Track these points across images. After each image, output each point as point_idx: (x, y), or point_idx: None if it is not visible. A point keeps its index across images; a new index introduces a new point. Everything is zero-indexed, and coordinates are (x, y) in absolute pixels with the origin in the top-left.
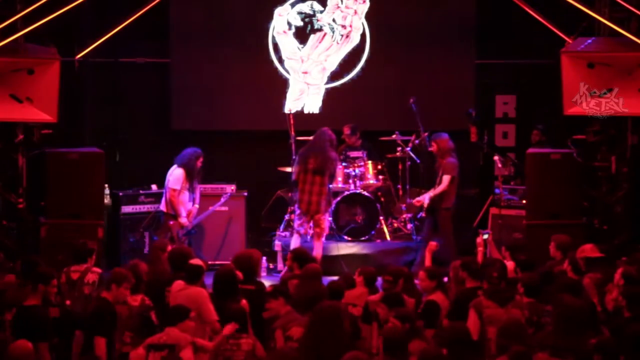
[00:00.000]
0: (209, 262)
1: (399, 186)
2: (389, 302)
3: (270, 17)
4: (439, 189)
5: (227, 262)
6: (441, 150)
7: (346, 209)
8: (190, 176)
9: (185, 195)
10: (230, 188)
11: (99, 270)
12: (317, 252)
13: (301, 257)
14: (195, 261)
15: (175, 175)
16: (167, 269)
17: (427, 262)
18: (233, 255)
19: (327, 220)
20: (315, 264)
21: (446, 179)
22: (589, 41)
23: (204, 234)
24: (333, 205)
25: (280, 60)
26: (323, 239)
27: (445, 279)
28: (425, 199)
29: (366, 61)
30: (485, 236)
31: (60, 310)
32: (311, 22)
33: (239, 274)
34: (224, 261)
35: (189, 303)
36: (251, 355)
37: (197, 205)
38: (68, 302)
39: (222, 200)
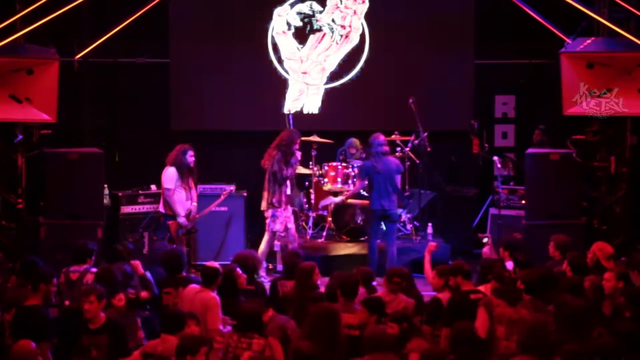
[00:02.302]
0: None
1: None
2: (368, 307)
3: (269, 18)
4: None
5: (227, 262)
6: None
7: (345, 209)
8: (182, 173)
9: (182, 193)
10: (230, 188)
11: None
12: (260, 248)
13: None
14: (211, 264)
15: (167, 174)
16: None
17: (427, 262)
18: (233, 255)
19: (274, 217)
20: (310, 263)
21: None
22: (589, 41)
23: (204, 234)
24: (332, 206)
25: (280, 61)
26: (272, 238)
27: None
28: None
29: (365, 61)
30: (485, 240)
31: (60, 311)
32: (310, 23)
33: (243, 275)
34: (223, 261)
35: (200, 307)
36: (261, 356)
37: (195, 204)
38: (67, 303)
39: (222, 198)
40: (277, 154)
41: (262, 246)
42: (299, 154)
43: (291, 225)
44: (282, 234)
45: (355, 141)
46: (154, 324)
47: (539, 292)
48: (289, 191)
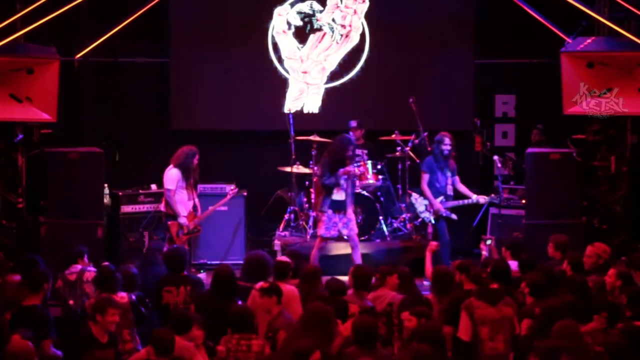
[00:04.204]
0: (209, 262)
1: (399, 186)
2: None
3: (269, 17)
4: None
5: (228, 261)
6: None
7: None
8: (187, 175)
9: (184, 194)
10: (230, 188)
11: (94, 269)
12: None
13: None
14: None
15: (169, 175)
16: (164, 269)
17: (428, 261)
18: (233, 255)
19: (320, 219)
20: (313, 265)
21: None
22: (589, 41)
23: (204, 233)
24: None
25: (280, 60)
26: (319, 242)
27: None
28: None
29: (366, 61)
30: (489, 242)
31: (63, 310)
32: (311, 22)
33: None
34: (224, 260)
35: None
36: (261, 356)
37: (197, 200)
38: (71, 302)
39: (228, 197)
40: (326, 159)
41: (313, 250)
42: (351, 167)
43: (346, 232)
44: (282, 234)
45: (352, 124)
46: (153, 323)
47: (544, 294)
48: (341, 197)
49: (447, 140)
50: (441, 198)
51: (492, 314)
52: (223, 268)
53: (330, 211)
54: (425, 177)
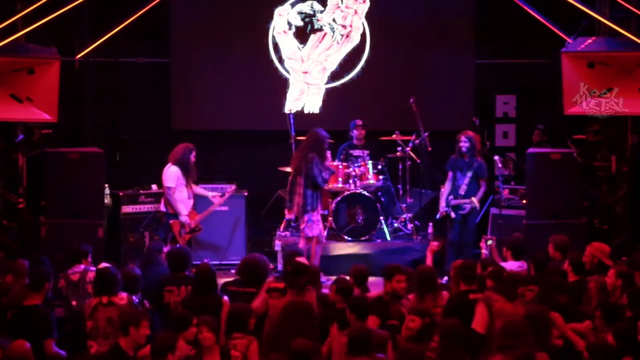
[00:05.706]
0: (209, 262)
1: (399, 186)
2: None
3: (270, 17)
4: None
5: (228, 261)
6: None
7: (346, 209)
8: (186, 172)
9: (184, 192)
10: (231, 188)
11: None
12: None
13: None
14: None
15: (169, 172)
16: (164, 270)
17: (429, 261)
18: (233, 254)
19: (312, 223)
20: (313, 265)
21: None
22: (589, 41)
23: (204, 233)
24: (333, 205)
25: (281, 60)
26: (317, 244)
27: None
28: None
29: (366, 61)
30: (490, 242)
31: (66, 310)
32: (311, 22)
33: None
34: (224, 260)
35: None
36: (243, 357)
37: (191, 201)
38: (74, 303)
39: (227, 196)
40: (314, 156)
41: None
42: (329, 154)
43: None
44: (283, 234)
45: (357, 123)
46: (155, 323)
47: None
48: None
49: (462, 138)
50: (451, 196)
51: (509, 310)
52: (203, 266)
53: (319, 209)
54: (449, 175)
